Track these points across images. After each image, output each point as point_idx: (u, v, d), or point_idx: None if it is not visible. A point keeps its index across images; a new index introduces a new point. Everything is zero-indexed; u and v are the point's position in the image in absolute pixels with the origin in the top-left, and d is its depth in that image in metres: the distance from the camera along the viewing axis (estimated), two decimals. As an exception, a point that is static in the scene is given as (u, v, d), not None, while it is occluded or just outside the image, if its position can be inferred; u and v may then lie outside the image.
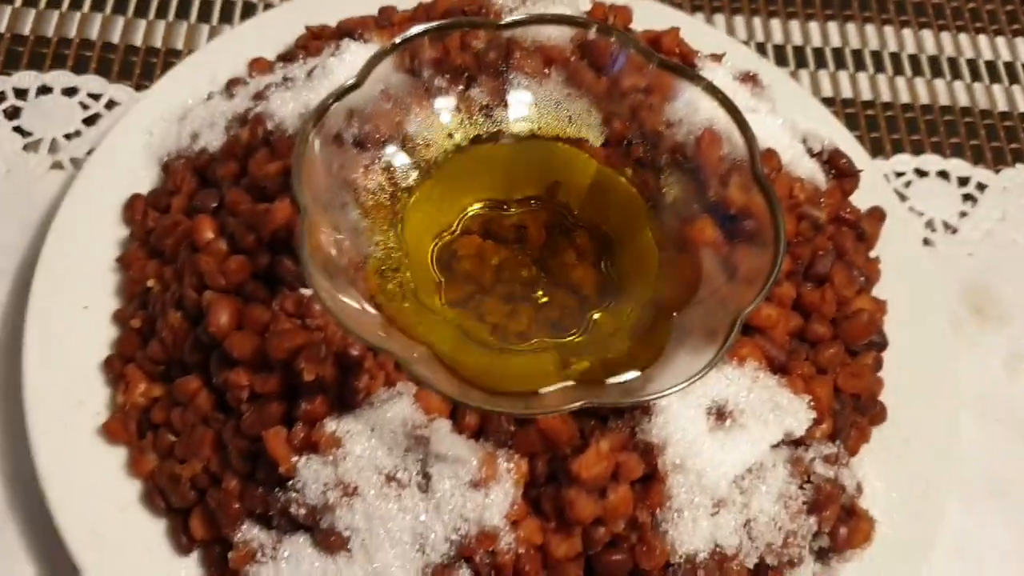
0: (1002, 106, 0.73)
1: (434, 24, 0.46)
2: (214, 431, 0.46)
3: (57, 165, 0.62)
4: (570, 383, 0.43)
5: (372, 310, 0.42)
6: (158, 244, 0.51)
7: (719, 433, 0.44)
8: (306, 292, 0.45)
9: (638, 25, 0.61)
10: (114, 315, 0.52)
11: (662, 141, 0.49)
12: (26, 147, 0.62)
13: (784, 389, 0.46)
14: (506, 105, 0.50)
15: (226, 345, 0.45)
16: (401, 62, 0.47)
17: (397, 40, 0.46)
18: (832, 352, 0.49)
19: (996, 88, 0.74)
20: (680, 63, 0.49)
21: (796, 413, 0.46)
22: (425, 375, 0.40)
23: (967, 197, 0.68)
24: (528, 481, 0.43)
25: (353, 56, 0.52)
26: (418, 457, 0.42)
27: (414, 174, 0.48)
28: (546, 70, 0.50)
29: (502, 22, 0.48)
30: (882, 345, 0.51)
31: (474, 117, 0.50)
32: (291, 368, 0.43)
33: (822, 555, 0.48)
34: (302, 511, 0.43)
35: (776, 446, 0.46)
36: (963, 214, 0.68)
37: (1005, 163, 0.70)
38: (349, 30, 0.57)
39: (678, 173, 0.48)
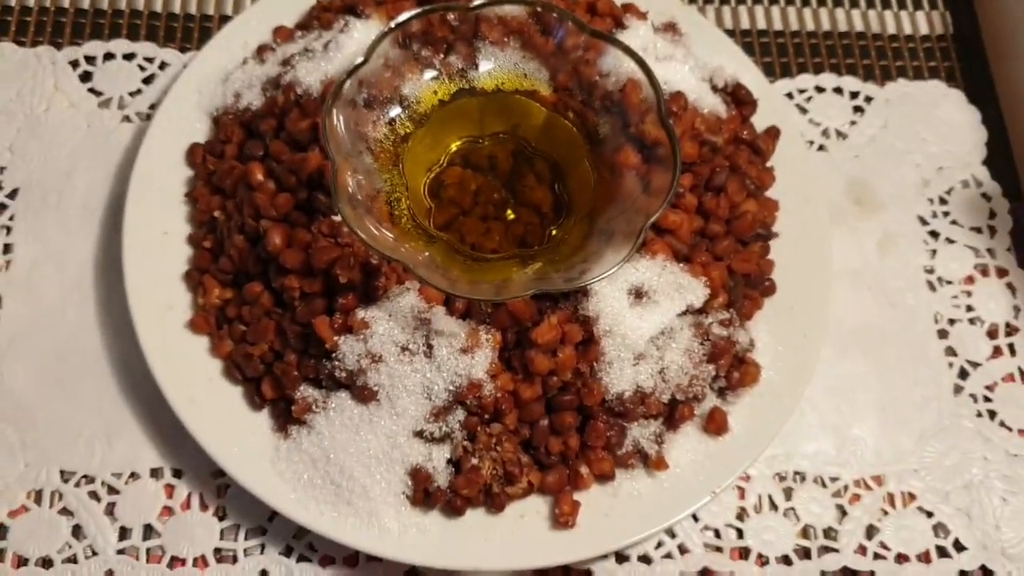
0: (891, 29, 0.88)
1: (418, 10, 0.60)
2: (275, 321, 0.62)
3: (127, 119, 0.76)
4: (528, 277, 0.59)
5: (385, 231, 0.58)
6: (219, 183, 0.66)
7: (637, 307, 0.60)
8: (337, 218, 0.61)
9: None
10: (188, 238, 0.67)
11: (596, 89, 0.63)
12: (100, 105, 0.76)
13: (686, 273, 0.62)
14: (477, 67, 0.64)
15: (281, 259, 0.61)
16: (395, 39, 0.62)
17: (392, 24, 0.60)
18: (725, 244, 0.65)
19: (887, 14, 0.89)
20: (605, 31, 0.63)
21: (695, 291, 0.62)
22: (426, 274, 0.56)
23: (857, 109, 0.83)
24: (502, 347, 0.60)
25: (359, 33, 0.66)
26: (423, 333, 0.59)
27: (410, 124, 0.63)
28: (506, 38, 0.64)
29: (471, 5, 0.62)
30: (767, 236, 0.68)
31: (453, 78, 0.64)
32: (330, 274, 0.59)
33: (721, 393, 0.65)
34: (343, 374, 0.59)
35: (683, 315, 0.62)
36: (853, 123, 0.82)
37: (891, 79, 0.85)
38: (352, 4, 0.71)
39: (608, 114, 0.63)
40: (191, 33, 0.81)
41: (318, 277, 0.60)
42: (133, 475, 0.66)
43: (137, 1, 0.81)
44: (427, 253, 0.59)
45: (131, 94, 0.77)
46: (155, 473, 0.66)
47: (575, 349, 0.60)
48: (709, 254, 0.64)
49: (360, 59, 0.59)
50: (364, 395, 0.59)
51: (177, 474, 0.66)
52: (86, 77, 0.78)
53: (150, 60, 0.79)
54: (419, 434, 0.60)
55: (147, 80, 0.78)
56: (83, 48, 0.78)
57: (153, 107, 0.74)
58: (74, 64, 0.78)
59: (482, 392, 0.59)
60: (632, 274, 0.61)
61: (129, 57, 0.79)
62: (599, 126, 0.64)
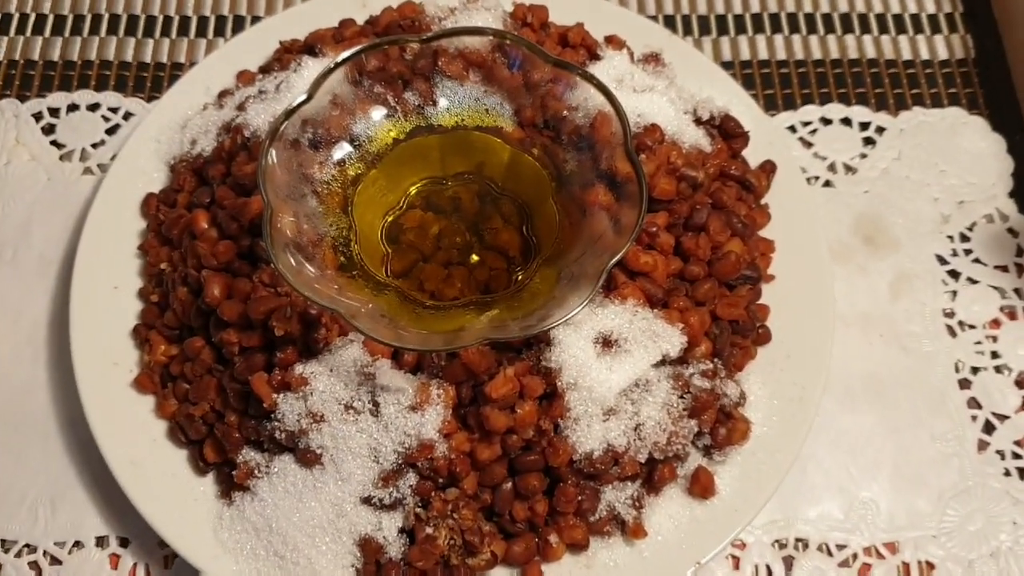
0: (906, 55, 0.82)
1: (364, 45, 0.57)
2: (216, 379, 0.58)
3: (88, 171, 0.74)
4: (483, 325, 0.54)
5: (326, 278, 0.54)
6: (168, 234, 0.63)
7: (606, 357, 0.55)
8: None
9: (559, 17, 0.71)
10: (138, 292, 0.64)
11: (564, 124, 0.59)
12: (62, 157, 0.74)
13: (660, 320, 0.56)
14: (435, 104, 0.61)
15: (219, 312, 0.57)
16: (347, 75, 0.58)
17: (338, 59, 0.57)
18: (707, 287, 0.59)
19: (902, 39, 0.83)
20: (570, 61, 0.58)
21: (670, 339, 0.56)
22: (368, 327, 0.51)
23: (868, 140, 0.77)
24: (456, 403, 0.55)
25: (310, 71, 0.63)
26: (368, 389, 0.54)
27: (360, 166, 0.59)
28: (466, 72, 0.61)
29: (423, 37, 0.58)
30: (755, 279, 0.62)
31: (409, 115, 0.60)
32: (267, 326, 0.55)
33: (707, 451, 0.59)
34: (284, 436, 0.55)
35: (660, 365, 0.57)
36: (863, 156, 0.76)
37: (906, 107, 0.79)
38: (312, 44, 0.68)
39: (577, 150, 0.58)
40: (160, 82, 0.78)
41: (257, 330, 0.56)
42: (77, 544, 0.62)
43: (107, 51, 0.79)
44: (371, 305, 0.54)
45: (93, 146, 0.75)
46: (100, 542, 0.62)
47: (537, 404, 0.55)
48: (689, 299, 0.59)
49: (303, 96, 0.56)
50: (307, 458, 0.55)
51: (123, 543, 0.62)
52: (49, 129, 0.76)
53: (114, 110, 0.77)
54: (367, 501, 0.55)
55: (110, 131, 0.76)
56: (47, 100, 0.77)
57: (115, 158, 0.72)
58: (37, 116, 0.76)
59: (434, 454, 0.54)
60: (599, 321, 0.56)
61: (93, 108, 0.77)
62: (566, 163, 0.59)
